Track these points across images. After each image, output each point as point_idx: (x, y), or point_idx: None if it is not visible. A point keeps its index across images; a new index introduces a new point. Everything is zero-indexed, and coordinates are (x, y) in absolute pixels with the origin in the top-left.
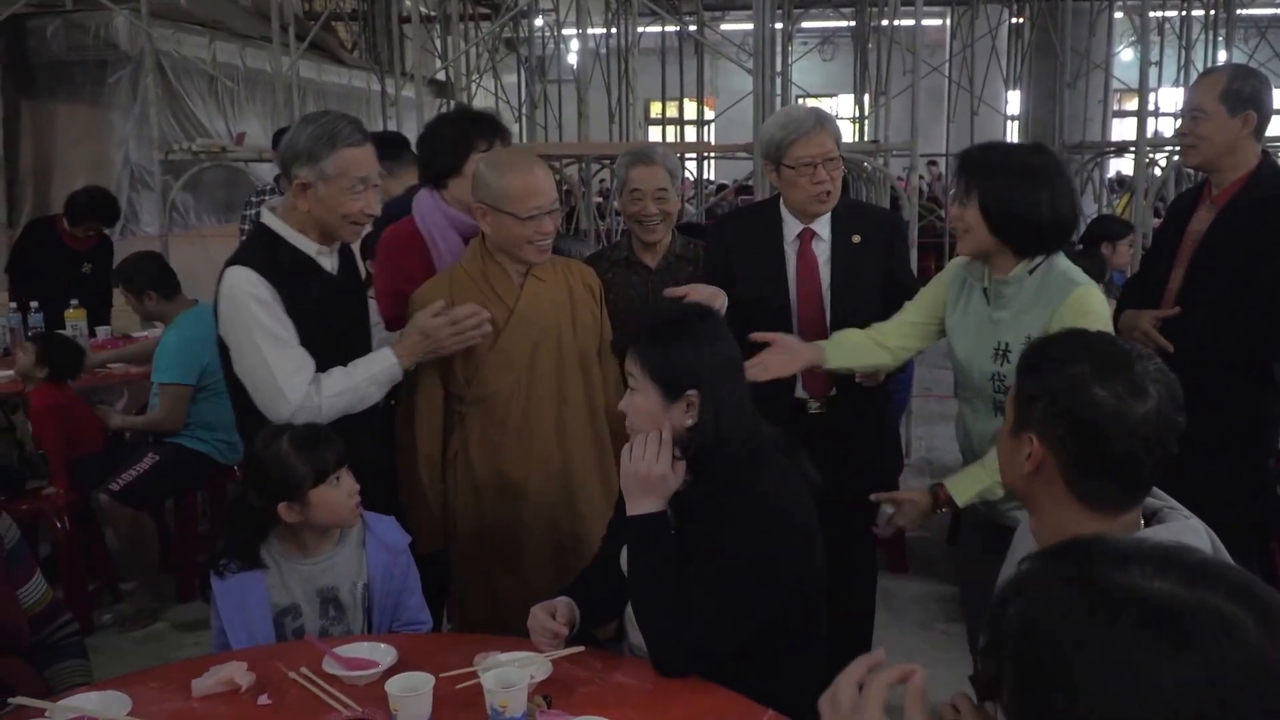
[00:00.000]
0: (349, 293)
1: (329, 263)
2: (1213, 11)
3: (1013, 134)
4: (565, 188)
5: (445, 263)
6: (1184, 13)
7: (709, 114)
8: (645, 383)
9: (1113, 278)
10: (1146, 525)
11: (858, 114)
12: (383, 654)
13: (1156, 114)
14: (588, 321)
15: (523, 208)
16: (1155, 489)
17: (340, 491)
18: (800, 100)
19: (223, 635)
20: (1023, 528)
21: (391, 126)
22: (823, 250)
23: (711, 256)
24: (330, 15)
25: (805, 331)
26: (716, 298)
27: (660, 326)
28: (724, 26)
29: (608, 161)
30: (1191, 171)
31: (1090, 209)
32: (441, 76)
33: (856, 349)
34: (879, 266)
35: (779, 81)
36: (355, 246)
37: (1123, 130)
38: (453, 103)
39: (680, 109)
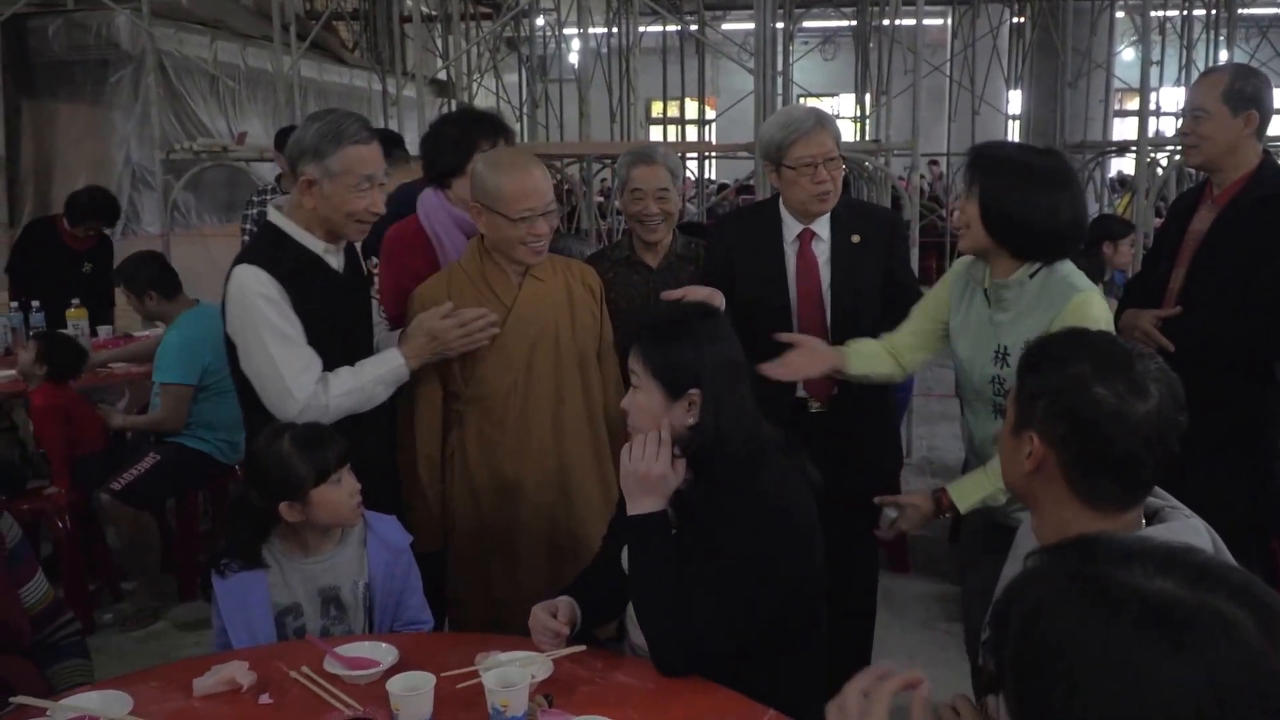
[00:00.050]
0: (354, 291)
1: (335, 261)
2: (1214, 11)
3: (1014, 133)
4: (566, 187)
5: (450, 261)
6: (1185, 12)
7: (710, 113)
8: (648, 381)
9: (1114, 277)
10: (1148, 524)
11: (859, 113)
12: (384, 653)
13: (1158, 113)
14: (587, 321)
15: (514, 209)
16: (1156, 488)
17: (341, 491)
18: (801, 100)
19: (224, 635)
20: (1024, 527)
21: (393, 126)
22: (822, 250)
23: (712, 256)
24: (331, 15)
25: (805, 332)
26: (714, 299)
27: (663, 325)
28: (725, 26)
29: (609, 161)
30: (1193, 171)
31: (1091, 209)
32: (443, 76)
33: (873, 357)
34: (879, 266)
35: (780, 81)
36: (357, 245)
37: (1124, 130)
38: (454, 102)
39: (681, 108)
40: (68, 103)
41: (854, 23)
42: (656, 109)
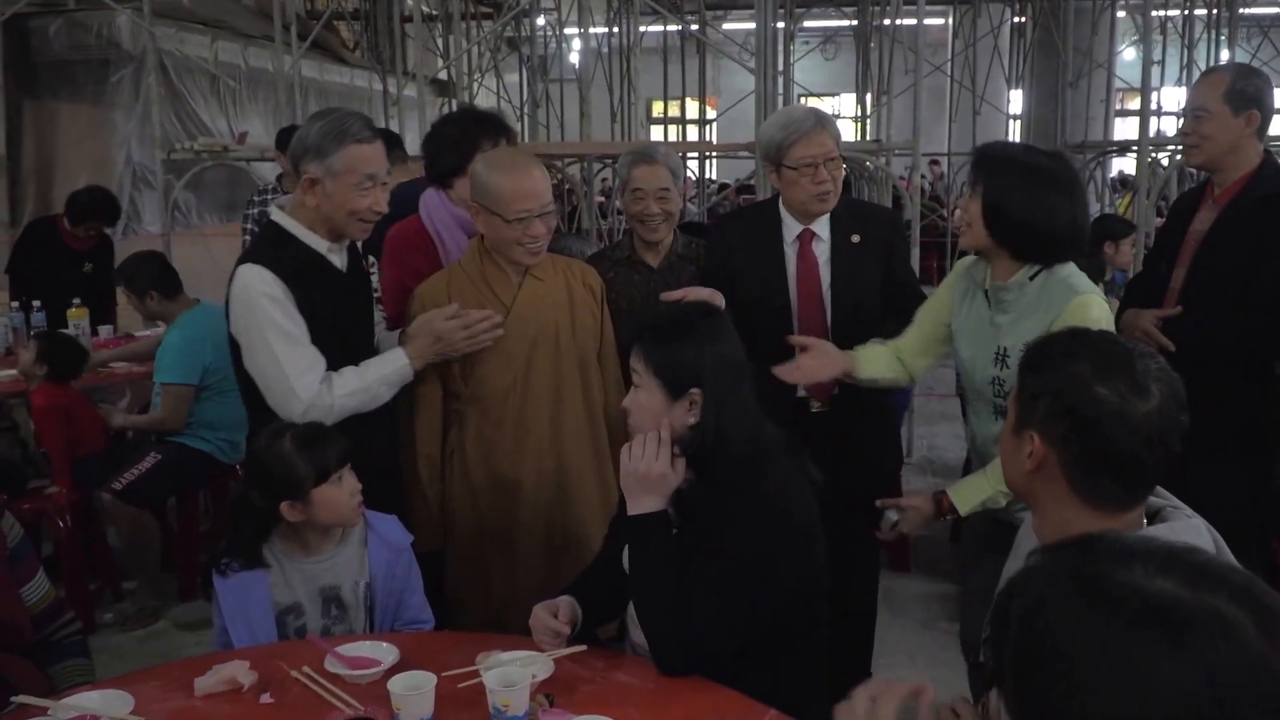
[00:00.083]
0: (357, 290)
1: (339, 260)
2: (1215, 10)
3: (1015, 133)
4: (567, 187)
5: (452, 261)
6: (1186, 12)
7: (711, 113)
8: (649, 380)
9: (1115, 277)
10: (1149, 524)
11: (860, 113)
12: (385, 653)
13: (1159, 113)
14: (587, 322)
15: (511, 210)
16: (1158, 488)
17: (342, 490)
18: (802, 99)
19: (225, 634)
20: (1026, 526)
21: (393, 126)
22: (822, 250)
23: (712, 256)
24: (332, 14)
25: (805, 332)
26: (713, 300)
27: (665, 325)
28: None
29: (610, 161)
30: (1194, 171)
31: (1093, 208)
32: (443, 76)
33: (882, 362)
34: (879, 266)
35: (781, 81)
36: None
37: (1125, 129)
38: (454, 102)
39: (682, 108)
40: (69, 102)
41: (855, 22)
42: (657, 109)
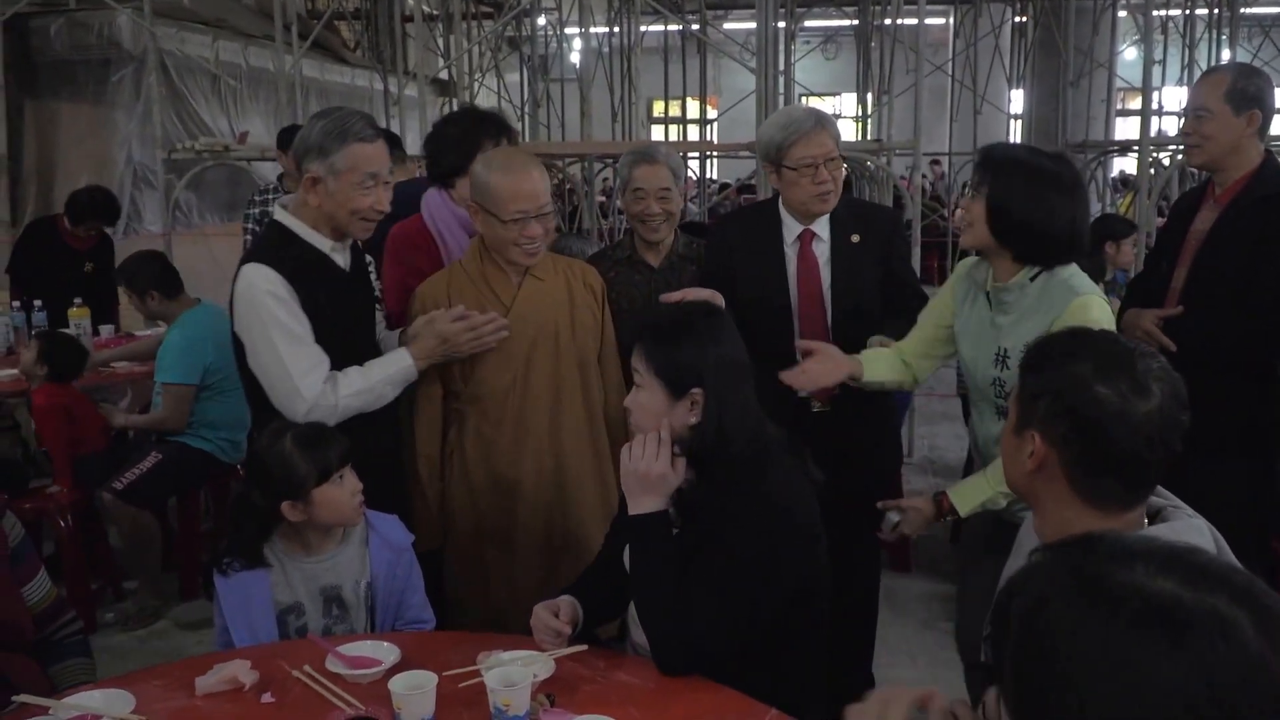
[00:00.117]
0: (359, 290)
1: (342, 259)
2: (1216, 10)
3: (1016, 133)
4: (568, 186)
5: (453, 260)
6: (1187, 11)
7: (711, 113)
8: (650, 380)
9: (1116, 277)
10: (1150, 524)
11: (860, 113)
12: (386, 652)
13: (1160, 113)
14: (588, 322)
15: (507, 210)
16: (1159, 487)
17: (343, 490)
18: (803, 99)
19: (226, 634)
20: (1026, 525)
21: (394, 125)
22: (823, 250)
23: (713, 256)
24: (333, 14)
25: (806, 332)
26: (713, 301)
27: (666, 324)
28: (727, 25)
29: (610, 160)
30: (1195, 171)
31: (1094, 208)
32: (444, 75)
33: (887, 365)
34: (879, 265)
35: (782, 80)
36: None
37: (1126, 129)
38: (455, 102)
39: (683, 108)
40: (70, 102)
41: (856, 22)
42: (658, 108)
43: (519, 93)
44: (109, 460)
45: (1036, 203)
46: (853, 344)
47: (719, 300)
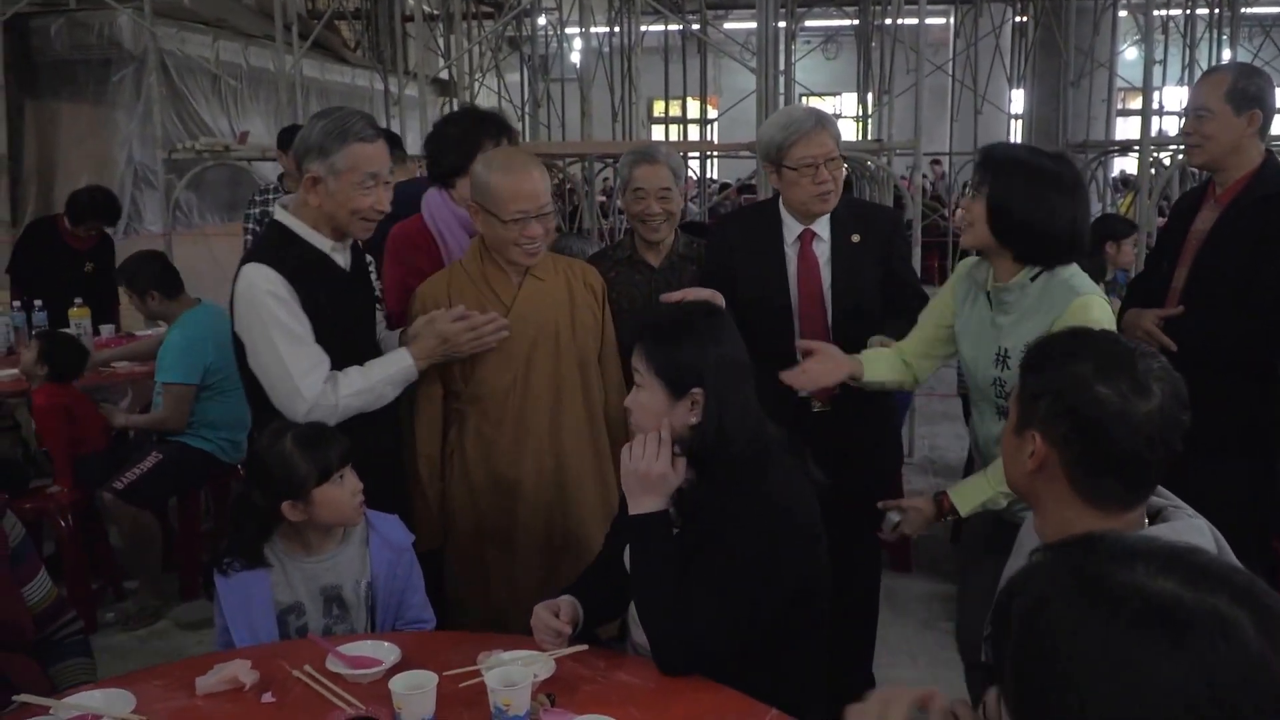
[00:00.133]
0: (359, 290)
1: (342, 259)
2: (1217, 10)
3: (1016, 133)
4: (569, 186)
5: (453, 260)
6: (1188, 11)
7: (712, 113)
8: (650, 380)
9: (1117, 277)
10: (1151, 524)
11: (861, 113)
12: (386, 652)
13: (1160, 113)
14: (588, 322)
15: (507, 210)
16: (1159, 487)
17: (344, 490)
18: (804, 99)
19: (226, 633)
20: (1027, 525)
21: (395, 125)
22: (823, 250)
23: (713, 256)
24: (333, 14)
25: (806, 332)
26: (713, 300)
27: (666, 324)
28: (727, 25)
29: (611, 160)
30: (1195, 170)
31: (1094, 208)
32: (444, 75)
33: (888, 365)
34: (880, 265)
35: (782, 80)
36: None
37: (1127, 129)
38: (456, 101)
39: (683, 108)
40: (70, 102)
41: (856, 22)
42: (658, 108)
43: (519, 93)
44: (109, 460)
45: (1037, 203)
46: (853, 344)
47: (719, 300)
